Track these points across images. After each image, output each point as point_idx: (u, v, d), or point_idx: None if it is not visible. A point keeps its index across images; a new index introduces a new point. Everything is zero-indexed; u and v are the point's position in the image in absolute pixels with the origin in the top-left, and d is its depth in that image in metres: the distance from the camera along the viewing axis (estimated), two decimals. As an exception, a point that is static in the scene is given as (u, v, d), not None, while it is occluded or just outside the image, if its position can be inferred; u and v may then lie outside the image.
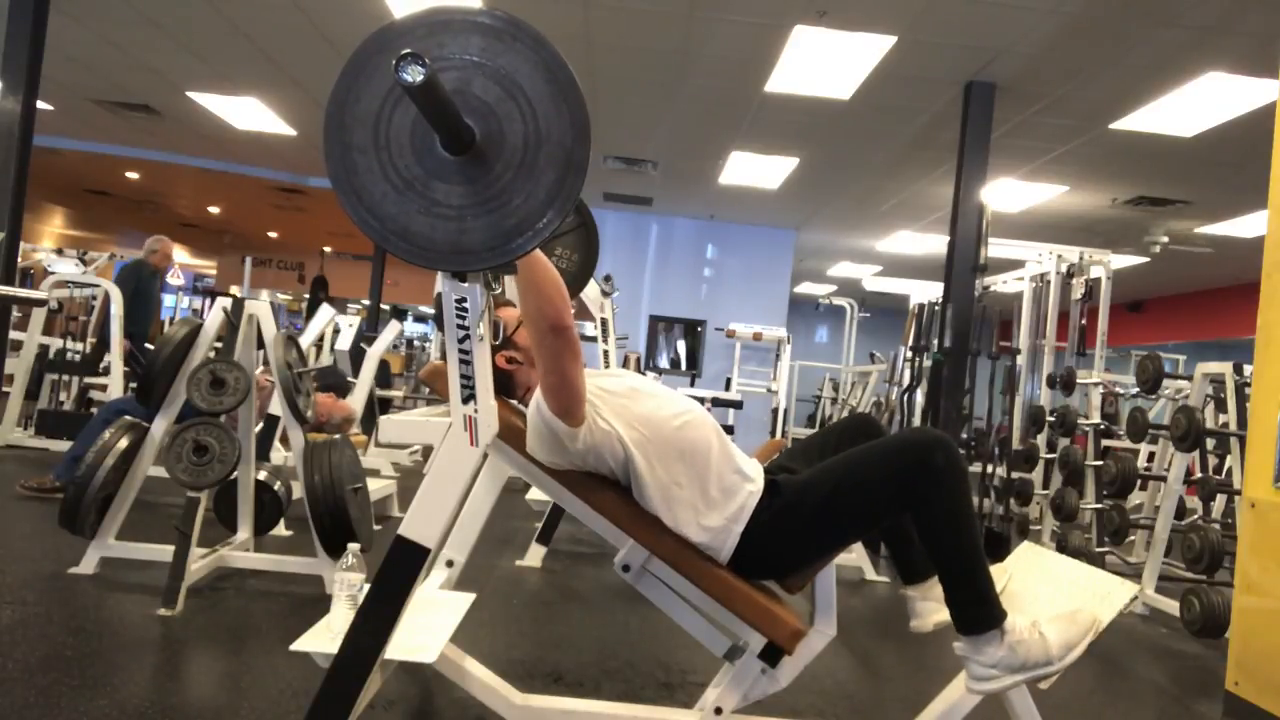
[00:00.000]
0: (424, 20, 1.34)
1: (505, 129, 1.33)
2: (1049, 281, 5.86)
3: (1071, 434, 5.16)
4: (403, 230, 1.35)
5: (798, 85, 5.84)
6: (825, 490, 1.72)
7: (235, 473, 2.98)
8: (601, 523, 1.78)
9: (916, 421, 6.33)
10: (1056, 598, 1.85)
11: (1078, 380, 5.17)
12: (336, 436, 3.12)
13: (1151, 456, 5.94)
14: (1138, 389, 4.84)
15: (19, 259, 5.54)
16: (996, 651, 1.66)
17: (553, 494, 1.85)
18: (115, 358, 5.70)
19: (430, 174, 1.33)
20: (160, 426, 3.05)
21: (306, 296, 14.71)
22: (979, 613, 1.67)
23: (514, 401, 1.92)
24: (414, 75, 1.17)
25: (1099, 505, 4.77)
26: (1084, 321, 5.85)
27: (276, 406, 3.67)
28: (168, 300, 18.16)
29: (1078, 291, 5.84)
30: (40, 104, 5.48)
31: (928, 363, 6.14)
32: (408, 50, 1.17)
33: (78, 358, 6.44)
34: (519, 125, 1.33)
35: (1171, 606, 3.85)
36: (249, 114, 7.89)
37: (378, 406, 6.16)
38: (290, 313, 17.35)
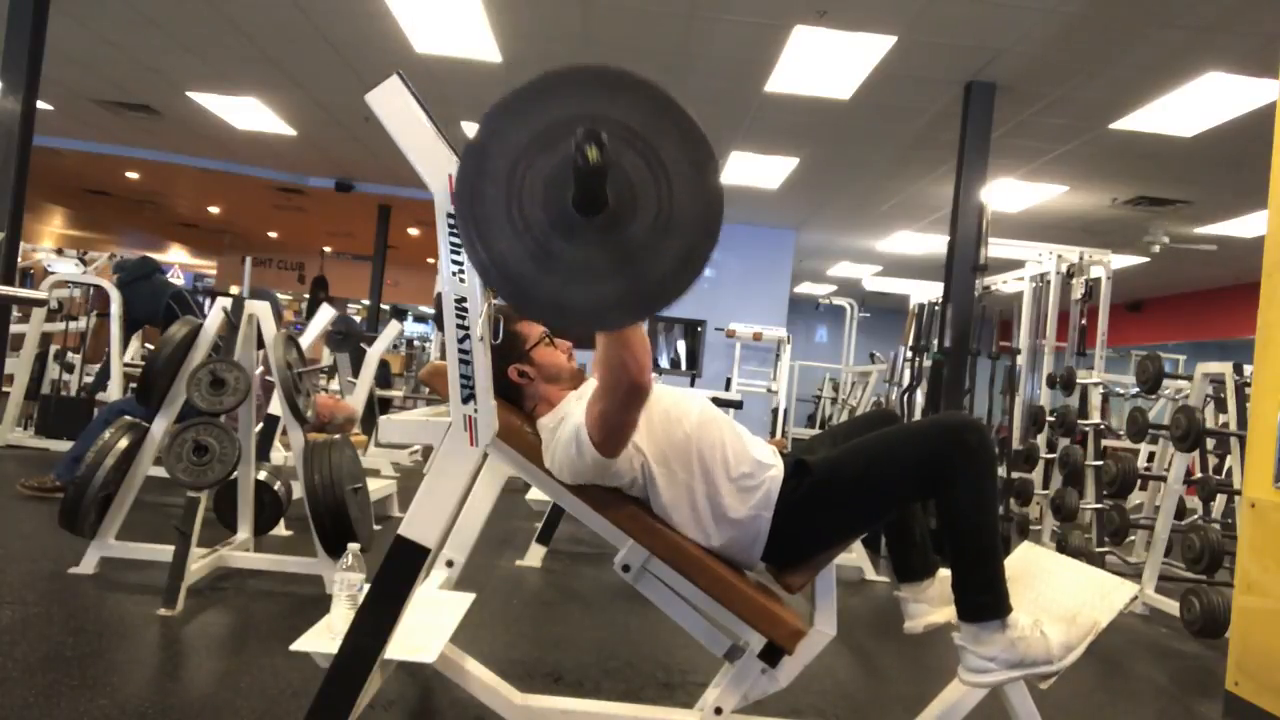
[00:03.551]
0: (606, 75, 1.33)
1: (639, 208, 1.32)
2: (1049, 281, 5.86)
3: (1071, 434, 5.16)
4: (509, 271, 1.34)
5: (798, 85, 5.84)
6: (859, 466, 1.73)
7: (235, 473, 2.98)
8: (601, 523, 1.78)
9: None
10: (1056, 598, 1.85)
11: (1078, 380, 5.16)
12: (336, 436, 3.12)
13: (1151, 456, 5.95)
14: (1138, 389, 4.84)
15: (19, 259, 5.53)
16: (997, 644, 1.66)
17: (553, 494, 1.85)
18: (115, 358, 5.69)
19: (552, 224, 1.32)
20: (160, 426, 3.05)
21: (306, 296, 14.72)
22: (985, 601, 1.68)
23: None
24: (591, 156, 1.20)
25: (1099, 505, 4.77)
26: (1084, 321, 5.85)
27: (276, 406, 3.67)
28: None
29: (1078, 291, 5.84)
30: (40, 104, 5.47)
31: (928, 363, 6.14)
32: (597, 131, 1.20)
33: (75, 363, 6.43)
34: (652, 208, 1.32)
35: (1171, 606, 3.85)
36: (249, 114, 7.89)
37: (378, 406, 6.15)
38: (293, 313, 17.36)
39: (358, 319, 7.31)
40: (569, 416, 1.70)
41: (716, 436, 1.78)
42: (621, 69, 1.33)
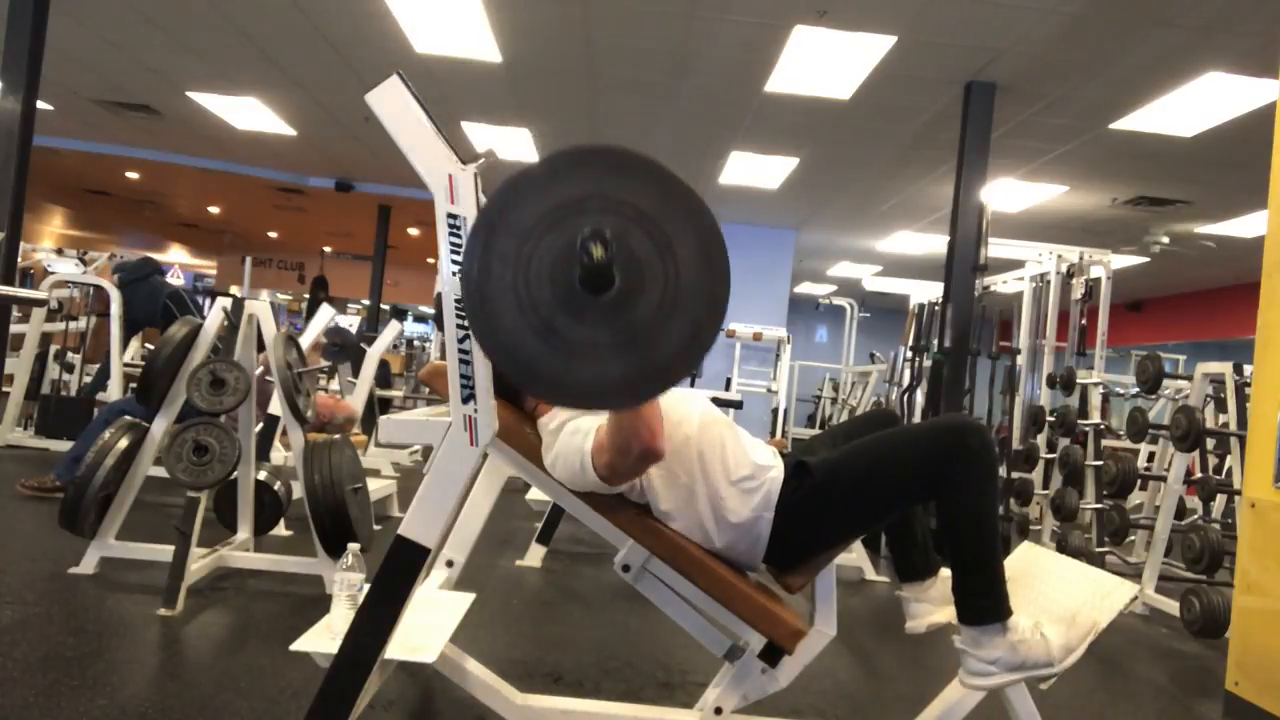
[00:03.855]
0: (616, 156, 1.35)
1: (645, 287, 1.33)
2: (1049, 281, 5.86)
3: (1071, 434, 5.16)
4: (514, 348, 1.34)
5: (798, 85, 5.84)
6: (860, 468, 1.73)
7: (235, 473, 2.98)
8: (601, 523, 1.78)
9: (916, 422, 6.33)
10: (1056, 598, 1.85)
11: (1078, 380, 5.16)
12: (337, 436, 3.12)
13: (1151, 456, 5.95)
14: (1138, 389, 4.84)
15: (19, 259, 5.53)
16: (997, 647, 1.66)
17: (553, 494, 1.85)
18: (115, 358, 5.69)
19: (558, 302, 1.33)
20: (160, 426, 3.05)
21: (306, 296, 14.72)
22: (985, 604, 1.68)
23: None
24: (596, 255, 1.24)
25: (1099, 505, 4.77)
26: (1084, 321, 5.85)
27: (276, 406, 3.67)
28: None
29: (1078, 291, 5.84)
30: (40, 104, 5.47)
31: (928, 363, 6.14)
32: (602, 231, 1.23)
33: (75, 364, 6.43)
34: (659, 288, 1.33)
35: (1171, 606, 3.85)
36: (249, 114, 7.89)
37: (378, 406, 6.15)
38: (290, 313, 17.36)
39: (358, 319, 7.28)
40: (573, 422, 1.70)
41: (717, 439, 1.78)
42: (631, 150, 1.35)
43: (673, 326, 1.33)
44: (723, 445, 1.77)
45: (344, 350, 5.12)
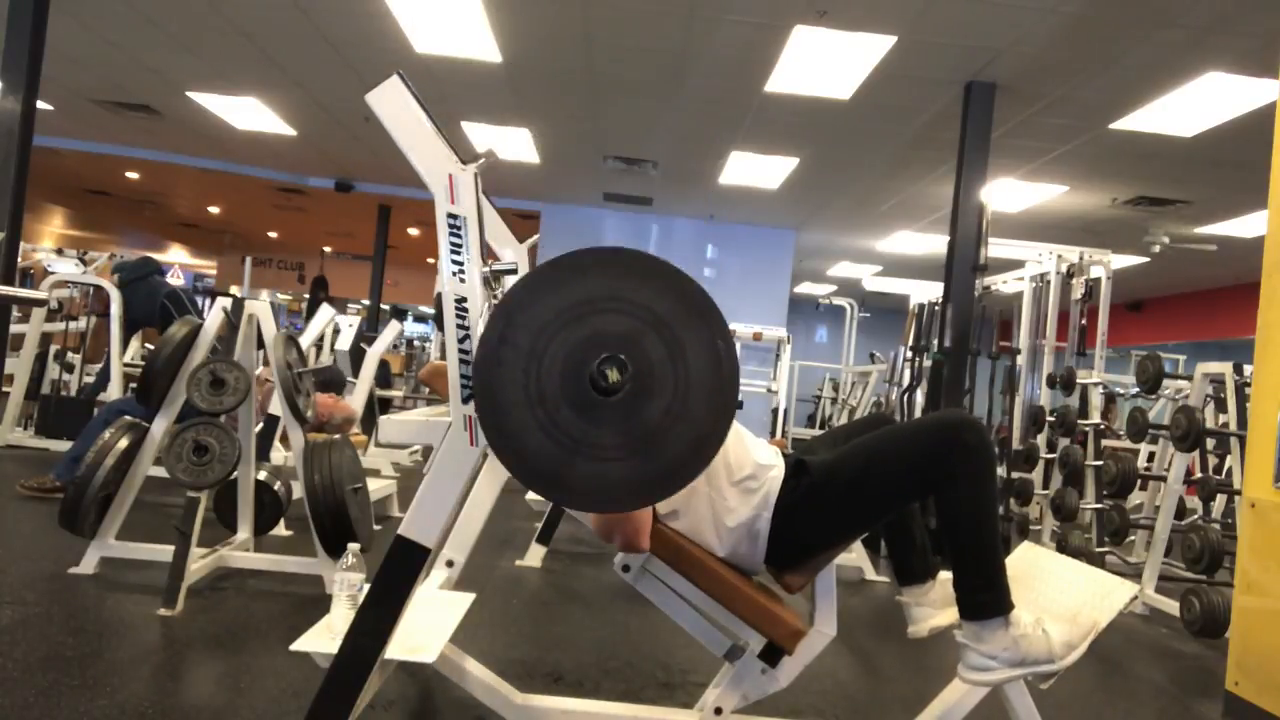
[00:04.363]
0: (640, 259, 1.36)
1: (655, 394, 1.34)
2: (1049, 281, 5.86)
3: (1071, 434, 5.16)
4: (516, 439, 1.34)
5: (798, 85, 5.84)
6: (858, 466, 1.73)
7: (235, 473, 2.98)
8: (601, 523, 1.78)
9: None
10: (1057, 597, 1.85)
11: (1078, 380, 5.16)
12: (336, 436, 3.12)
13: (1151, 456, 5.95)
14: (1138, 389, 4.83)
15: (19, 259, 5.53)
16: (998, 642, 1.66)
17: (553, 494, 1.85)
18: (115, 358, 5.69)
19: (566, 398, 1.33)
20: (160, 426, 3.05)
21: (306, 296, 14.72)
22: (987, 598, 1.68)
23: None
24: (611, 378, 1.28)
25: (1099, 505, 4.77)
26: (1084, 321, 5.85)
27: (276, 406, 3.67)
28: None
29: (1078, 291, 5.84)
30: (40, 104, 5.47)
31: (928, 363, 6.14)
32: (619, 356, 1.28)
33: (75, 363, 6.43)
34: (667, 396, 1.34)
35: (1171, 606, 3.85)
36: (249, 114, 7.89)
37: (378, 406, 6.15)
38: (290, 313, 17.36)
39: (358, 319, 7.27)
40: None
41: None
42: (651, 256, 1.36)
43: (678, 434, 1.34)
44: (725, 446, 1.78)
45: (331, 386, 5.14)
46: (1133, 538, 5.16)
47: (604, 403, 1.33)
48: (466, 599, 2.20)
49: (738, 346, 8.23)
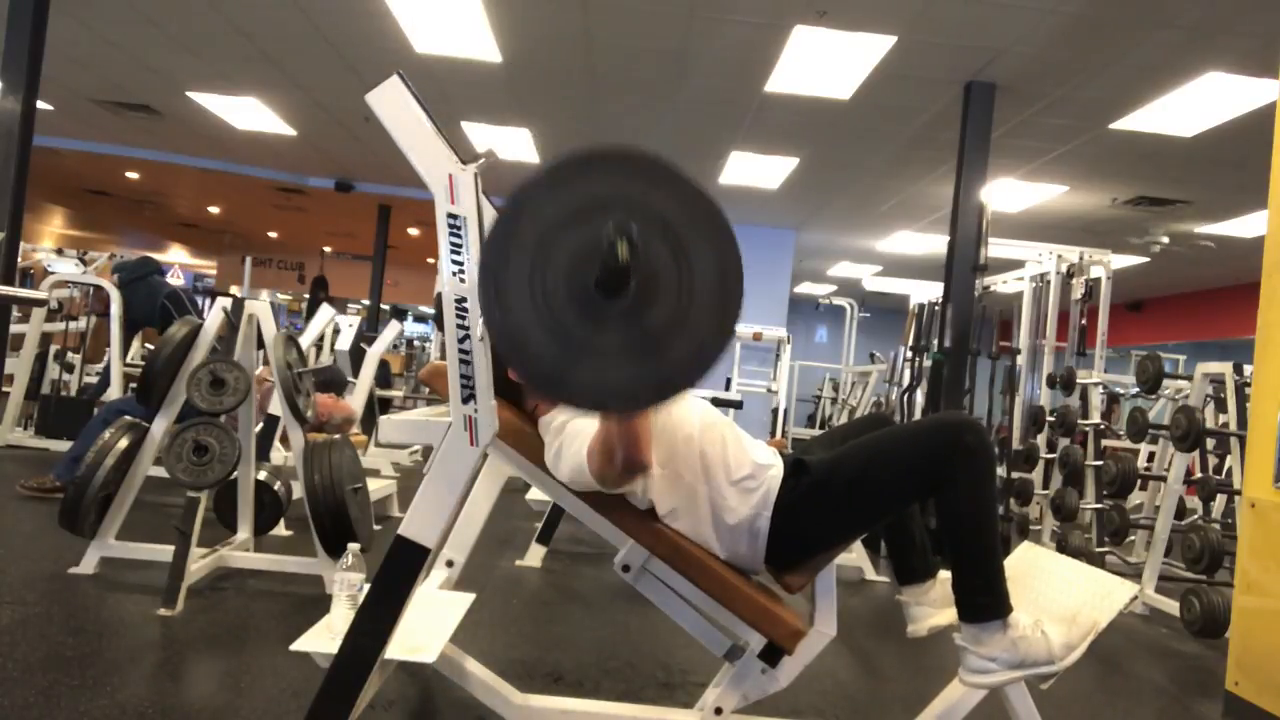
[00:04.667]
0: (650, 163, 1.33)
1: (658, 299, 1.32)
2: (1049, 281, 5.86)
3: (1071, 434, 5.16)
4: (519, 338, 1.34)
5: (798, 85, 5.85)
6: (857, 466, 1.73)
7: (235, 473, 2.98)
8: (602, 523, 1.78)
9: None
10: (1057, 598, 1.85)
11: (1078, 380, 5.16)
12: (336, 436, 3.12)
13: (1151, 456, 5.95)
14: (1138, 389, 4.83)
15: (19, 259, 5.53)
16: (998, 645, 1.66)
17: (553, 494, 1.85)
18: (115, 358, 5.69)
19: (570, 300, 1.32)
20: (160, 426, 3.05)
21: (306, 296, 14.72)
22: (986, 601, 1.68)
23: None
24: (621, 253, 1.24)
25: (1099, 505, 4.77)
26: (1084, 321, 5.85)
27: (276, 406, 3.67)
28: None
29: (1078, 291, 5.84)
30: (40, 104, 5.47)
31: (928, 363, 6.14)
32: (630, 227, 1.23)
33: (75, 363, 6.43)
34: (671, 302, 1.32)
35: (1171, 606, 3.85)
36: (249, 114, 7.89)
37: (378, 406, 6.15)
38: (290, 313, 17.36)
39: (358, 319, 7.26)
40: (574, 423, 1.70)
41: (719, 438, 1.78)
42: (669, 161, 1.33)
43: (679, 342, 1.33)
44: (724, 445, 1.78)
45: (332, 386, 5.13)
46: (1133, 538, 5.16)
47: (608, 306, 1.31)
48: (466, 599, 2.20)
49: (737, 347, 8.19)
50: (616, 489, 1.67)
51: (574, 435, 1.67)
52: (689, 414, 1.80)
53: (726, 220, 1.34)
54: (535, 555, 3.90)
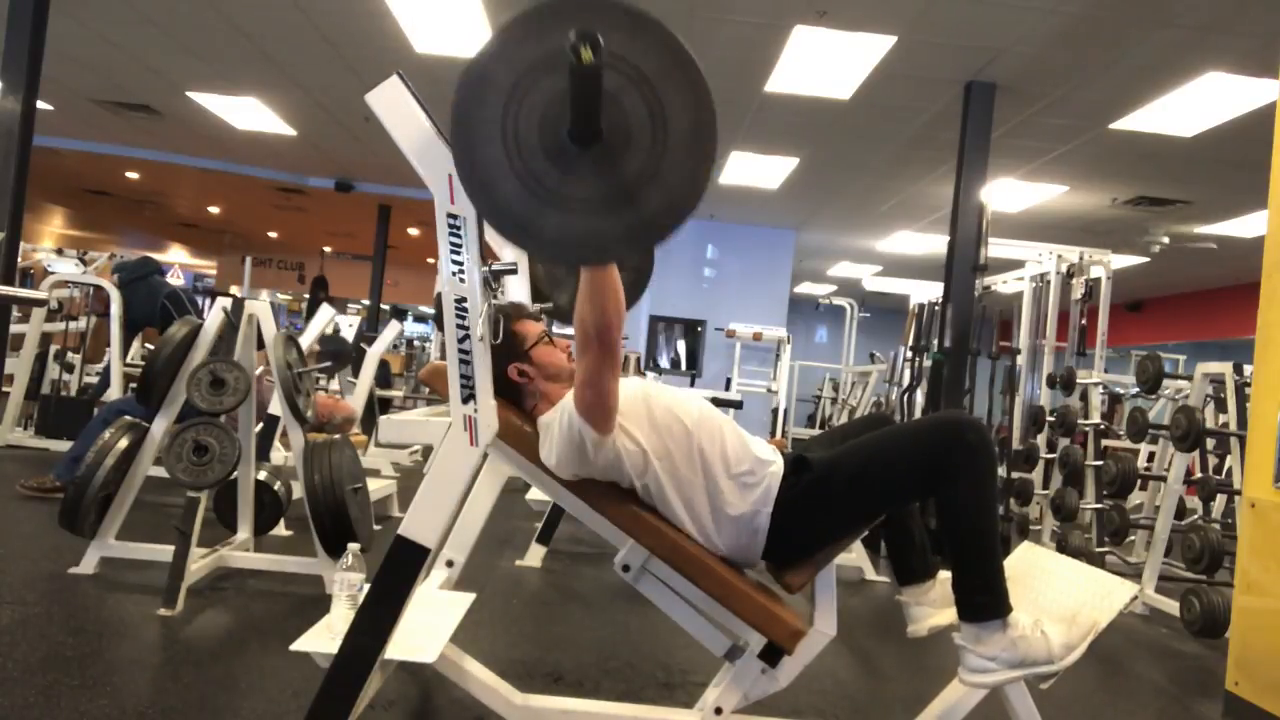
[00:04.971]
0: (632, 13, 1.31)
1: (630, 152, 1.31)
2: (1049, 281, 5.86)
3: (1071, 434, 5.16)
4: (490, 186, 1.32)
5: (798, 85, 5.85)
6: (858, 463, 1.73)
7: (235, 473, 2.98)
8: (602, 522, 1.78)
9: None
10: (1056, 598, 1.85)
11: (1078, 380, 5.16)
12: (336, 436, 3.12)
13: (1151, 456, 5.95)
14: (1138, 389, 4.83)
15: (19, 259, 5.53)
16: (997, 644, 1.66)
17: (553, 494, 1.85)
18: (115, 358, 5.69)
19: (543, 147, 1.31)
20: (160, 426, 3.05)
21: (306, 296, 14.73)
22: (985, 600, 1.68)
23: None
24: (585, 57, 1.18)
25: (1099, 505, 4.77)
26: (1084, 321, 5.84)
27: (276, 406, 3.67)
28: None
29: (1078, 291, 5.84)
30: (40, 104, 5.47)
31: (928, 363, 6.14)
32: (592, 33, 1.17)
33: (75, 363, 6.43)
34: (642, 156, 1.32)
35: (1171, 606, 3.85)
36: (249, 114, 7.89)
37: (378, 406, 6.15)
38: (290, 313, 17.37)
39: (358, 319, 7.27)
40: (564, 408, 1.71)
41: (717, 433, 1.78)
42: (649, 14, 1.31)
43: (651, 193, 1.31)
44: (723, 440, 1.78)
45: (339, 357, 5.10)
46: (1133, 538, 5.15)
47: (579, 155, 1.31)
48: (466, 599, 2.20)
49: (737, 347, 8.18)
50: (603, 415, 1.64)
51: (563, 411, 1.70)
52: (687, 409, 1.80)
53: (706, 86, 1.32)
54: (535, 555, 3.90)
